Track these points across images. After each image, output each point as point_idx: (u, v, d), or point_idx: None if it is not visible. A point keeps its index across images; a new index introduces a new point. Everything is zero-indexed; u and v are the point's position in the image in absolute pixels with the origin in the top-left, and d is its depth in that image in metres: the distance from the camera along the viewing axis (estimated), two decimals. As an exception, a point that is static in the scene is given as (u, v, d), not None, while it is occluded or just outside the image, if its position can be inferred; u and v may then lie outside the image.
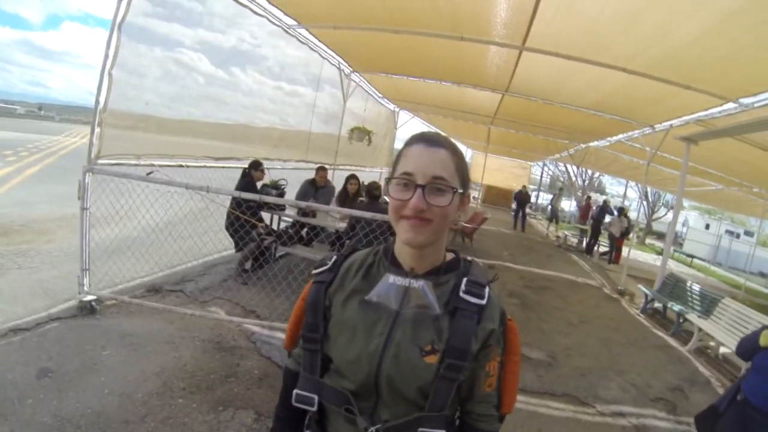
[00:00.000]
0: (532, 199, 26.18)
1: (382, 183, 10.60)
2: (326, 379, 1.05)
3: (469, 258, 1.11)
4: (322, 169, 6.72)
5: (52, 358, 3.07)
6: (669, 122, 7.54)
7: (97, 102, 3.72)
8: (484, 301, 1.00)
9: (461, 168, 1.01)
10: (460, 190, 0.99)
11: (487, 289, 1.02)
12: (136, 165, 4.25)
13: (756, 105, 5.24)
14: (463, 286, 1.01)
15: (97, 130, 3.75)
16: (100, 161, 3.85)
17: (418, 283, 0.99)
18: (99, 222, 4.23)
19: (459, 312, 0.98)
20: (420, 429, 0.95)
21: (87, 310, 3.82)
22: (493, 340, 1.01)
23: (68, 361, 3.06)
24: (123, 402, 2.72)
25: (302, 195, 6.54)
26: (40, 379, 2.83)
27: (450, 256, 1.10)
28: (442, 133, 1.05)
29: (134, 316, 3.92)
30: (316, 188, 6.62)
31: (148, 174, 4.08)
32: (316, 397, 1.03)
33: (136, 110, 4.54)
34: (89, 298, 3.86)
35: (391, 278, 1.01)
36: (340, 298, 1.05)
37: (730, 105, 5.54)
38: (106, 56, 3.71)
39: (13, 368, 2.91)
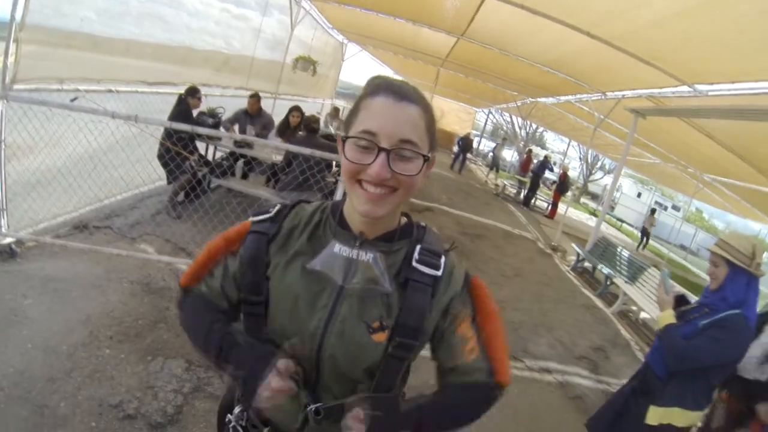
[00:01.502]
0: (474, 145, 26.56)
1: (322, 117, 10.32)
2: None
3: (423, 224, 1.00)
4: (253, 97, 6.20)
5: (-33, 312, 2.76)
6: (621, 92, 7.70)
7: (13, 18, 3.13)
8: (439, 272, 0.90)
9: (431, 127, 0.87)
10: (430, 155, 0.85)
11: (443, 259, 0.92)
12: (58, 90, 3.74)
13: (710, 93, 5.39)
14: (416, 254, 0.90)
15: (12, 51, 3.20)
16: (16, 86, 3.33)
17: (367, 255, 0.87)
18: (19, 153, 3.72)
19: (411, 284, 0.88)
20: None
21: (6, 254, 3.44)
22: (456, 305, 0.92)
23: (-13, 314, 2.77)
24: (48, 357, 2.52)
25: (232, 121, 6.10)
26: (-43, 336, 2.55)
27: (402, 220, 0.98)
28: (409, 82, 0.88)
29: (58, 257, 3.59)
30: (250, 117, 6.18)
31: (71, 100, 3.61)
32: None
33: (69, 27, 4.03)
34: (8, 240, 3.46)
35: (337, 247, 0.88)
36: (281, 259, 0.92)
37: (685, 88, 5.66)
38: (23, -36, 3.11)
39: None
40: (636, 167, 16.00)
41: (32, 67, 3.48)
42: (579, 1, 4.77)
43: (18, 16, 3.19)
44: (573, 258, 8.89)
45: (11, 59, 3.24)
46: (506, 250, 8.07)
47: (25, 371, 2.37)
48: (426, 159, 0.83)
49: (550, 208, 14.69)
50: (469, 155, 18.53)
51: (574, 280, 7.73)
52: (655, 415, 2.28)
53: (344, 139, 0.83)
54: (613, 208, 26.61)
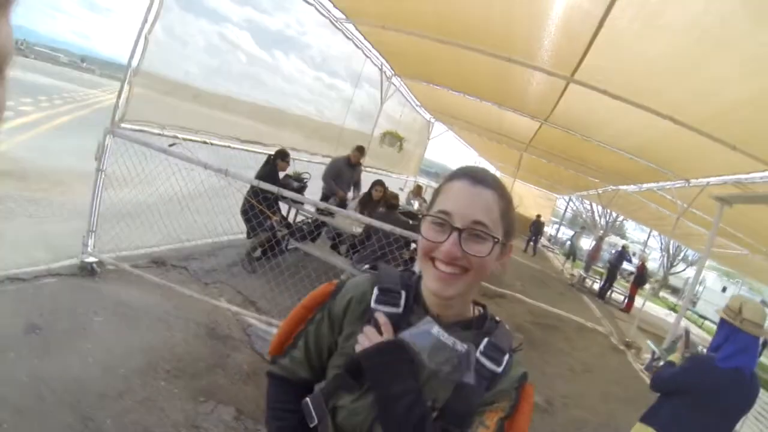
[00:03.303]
0: (552, 232, 25.72)
1: (404, 194, 10.38)
2: None
3: (497, 318, 0.99)
4: (361, 151, 6.70)
5: (42, 315, 2.98)
6: (706, 179, 7.28)
7: (130, 64, 3.67)
8: (500, 369, 0.87)
9: (507, 214, 0.88)
10: (502, 241, 0.86)
11: (507, 357, 0.89)
12: (159, 135, 4.18)
13: (803, 178, 4.97)
14: (481, 347, 0.89)
15: (125, 92, 3.69)
16: (123, 125, 3.78)
17: (462, 346, 0.86)
18: (115, 183, 4.15)
19: None
20: None
21: (87, 271, 3.75)
22: (498, 397, 0.87)
23: (58, 321, 2.97)
24: (104, 374, 2.62)
25: (336, 174, 6.42)
26: (27, 335, 2.75)
27: (477, 310, 0.98)
28: (491, 171, 0.93)
29: (133, 285, 3.83)
30: (352, 167, 6.60)
31: (170, 145, 4.01)
32: (317, 420, 0.90)
33: (175, 77, 4.53)
34: (91, 259, 3.79)
35: (435, 329, 0.87)
36: None
37: (773, 173, 5.28)
38: (145, 20, 3.66)
39: (1, 318, 2.84)
40: (721, 259, 14.71)
41: (139, 109, 3.93)
42: (659, 85, 4.69)
43: (134, 62, 3.70)
44: (648, 356, 8.08)
45: (123, 98, 3.70)
46: (577, 344, 7.61)
47: (80, 381, 2.47)
48: (497, 241, 0.84)
49: (626, 301, 13.75)
50: (543, 240, 18.26)
51: (647, 380, 6.96)
52: (634, 429, 2.70)
53: (423, 218, 0.89)
54: (695, 303, 24.23)
